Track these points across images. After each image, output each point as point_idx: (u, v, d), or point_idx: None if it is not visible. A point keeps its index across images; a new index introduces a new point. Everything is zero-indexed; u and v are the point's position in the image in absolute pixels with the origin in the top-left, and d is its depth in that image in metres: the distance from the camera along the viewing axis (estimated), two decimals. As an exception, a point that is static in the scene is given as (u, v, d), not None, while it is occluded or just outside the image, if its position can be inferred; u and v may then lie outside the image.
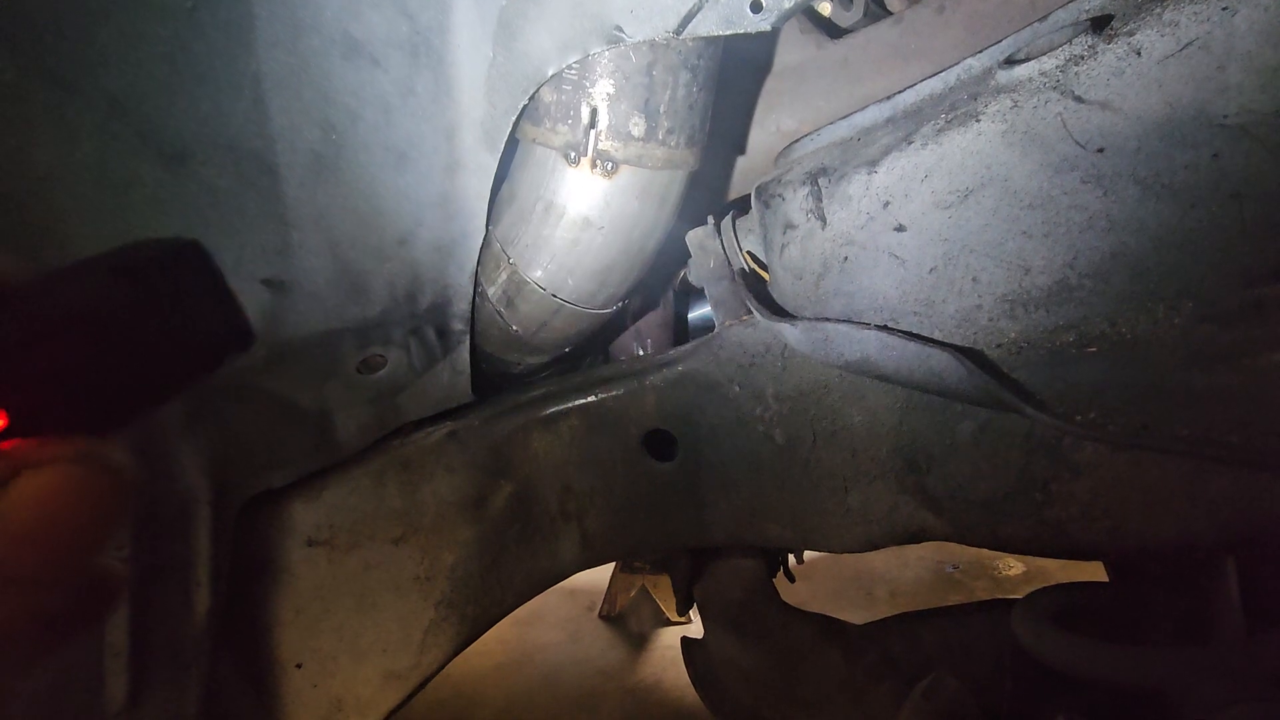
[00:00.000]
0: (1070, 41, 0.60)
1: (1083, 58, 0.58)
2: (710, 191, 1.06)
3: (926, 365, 0.58)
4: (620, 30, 0.67)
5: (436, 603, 0.89)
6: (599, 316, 0.90)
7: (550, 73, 0.71)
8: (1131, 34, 0.57)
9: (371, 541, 0.86)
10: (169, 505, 0.72)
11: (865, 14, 1.01)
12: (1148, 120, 0.54)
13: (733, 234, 0.97)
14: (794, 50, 1.00)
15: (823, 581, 2.95)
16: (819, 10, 1.06)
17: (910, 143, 0.66)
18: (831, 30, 1.02)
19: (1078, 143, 0.56)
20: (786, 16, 0.66)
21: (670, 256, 1.00)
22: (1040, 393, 0.55)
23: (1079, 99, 0.57)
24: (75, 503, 0.24)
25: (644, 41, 0.69)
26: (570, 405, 0.93)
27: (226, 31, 0.61)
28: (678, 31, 0.67)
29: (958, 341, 0.60)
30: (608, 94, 0.71)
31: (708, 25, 0.67)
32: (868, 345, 0.63)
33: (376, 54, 0.69)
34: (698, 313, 1.31)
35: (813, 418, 0.81)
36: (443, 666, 0.92)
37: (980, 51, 0.72)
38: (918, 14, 0.93)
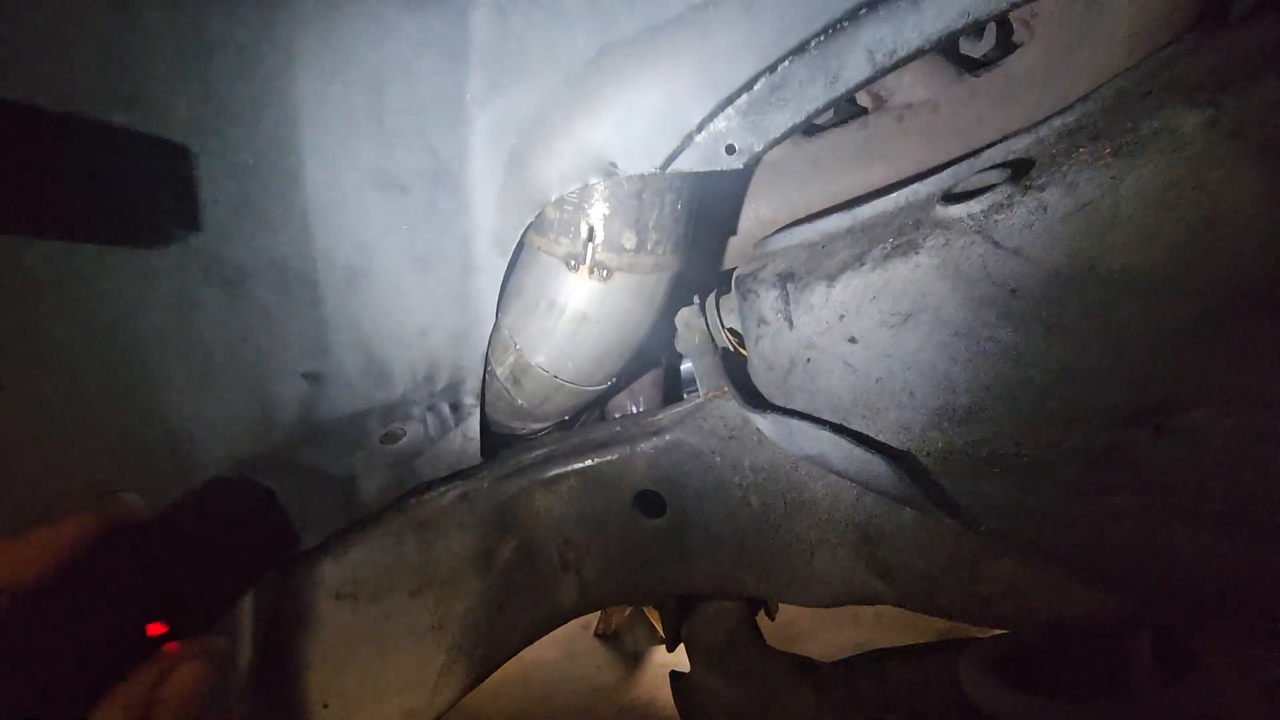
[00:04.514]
0: (994, 188, 0.72)
1: (1002, 206, 0.69)
2: (700, 267, 1.17)
3: (869, 468, 0.69)
4: (614, 166, 0.78)
5: (449, 647, 0.99)
6: (595, 393, 1.01)
7: (553, 197, 0.82)
8: (1041, 189, 0.68)
9: (391, 593, 0.97)
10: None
11: (836, 115, 1.13)
12: (1050, 269, 0.65)
13: (716, 313, 1.08)
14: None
15: (811, 601, 3.04)
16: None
17: (862, 264, 0.77)
18: (807, 129, 1.13)
19: (995, 283, 0.67)
20: (757, 158, 0.77)
21: (663, 330, 1.11)
22: (958, 498, 0.65)
23: (997, 244, 0.68)
24: (205, 689, 0.36)
25: (637, 174, 0.80)
26: (570, 469, 1.04)
27: (281, 179, 0.72)
28: (663, 167, 0.78)
29: (896, 445, 0.70)
30: (603, 214, 0.82)
31: (689, 163, 0.78)
32: (823, 443, 0.74)
33: (405, 182, 0.80)
34: (689, 366, 1.42)
35: (783, 489, 0.92)
36: (455, 703, 1.02)
37: (926, 178, 0.83)
38: (880, 120, 1.04)
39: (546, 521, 1.05)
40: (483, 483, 1.02)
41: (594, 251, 0.84)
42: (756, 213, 1.12)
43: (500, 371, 0.98)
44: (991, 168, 0.77)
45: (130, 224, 0.62)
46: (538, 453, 1.08)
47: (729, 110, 0.74)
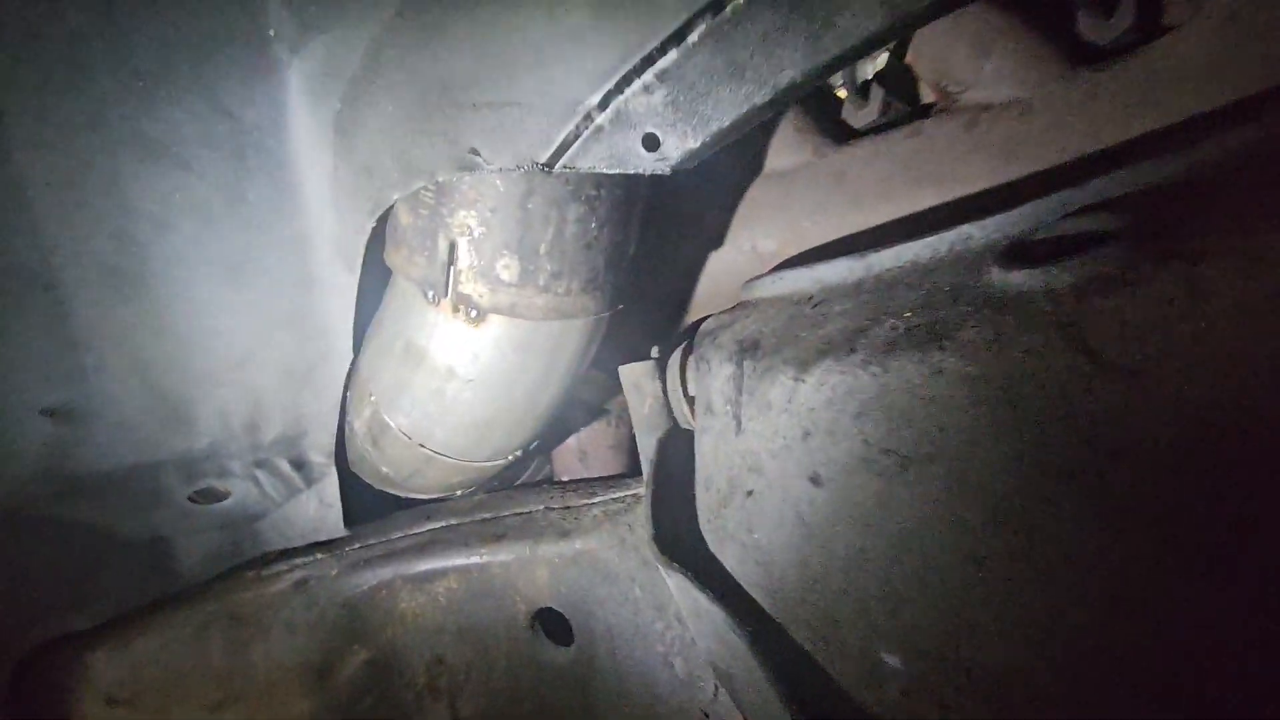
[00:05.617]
0: (1097, 244, 0.39)
1: (1110, 281, 0.37)
2: (667, 310, 0.87)
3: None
4: (476, 154, 0.50)
5: (251, 789, 0.74)
6: (485, 469, 0.73)
7: (394, 196, 0.55)
8: (1195, 259, 0.35)
9: (183, 705, 0.73)
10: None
11: (884, 114, 0.80)
12: (1195, 410, 0.32)
13: (678, 377, 0.77)
14: (785, 153, 0.81)
15: None
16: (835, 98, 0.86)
17: (853, 350, 0.46)
18: (837, 133, 0.81)
19: (1082, 433, 0.34)
20: (691, 160, 0.47)
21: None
22: None
23: (1093, 355, 0.35)
24: None
25: (516, 169, 0.52)
26: (449, 565, 0.77)
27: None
28: (550, 163, 0.49)
29: (849, 685, 0.39)
30: (468, 227, 0.54)
31: (592, 160, 0.49)
32: (734, 656, 0.43)
33: (185, 155, 0.55)
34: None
35: (718, 659, 0.61)
36: None
37: (985, 219, 0.51)
38: (942, 127, 0.71)
39: (414, 630, 0.78)
40: (329, 568, 0.77)
41: (456, 280, 0.56)
42: (753, 243, 0.81)
43: (358, 426, 0.72)
44: (1095, 207, 0.44)
45: None
46: (418, 530, 0.81)
47: (647, 75, 0.44)
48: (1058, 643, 0.33)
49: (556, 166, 0.49)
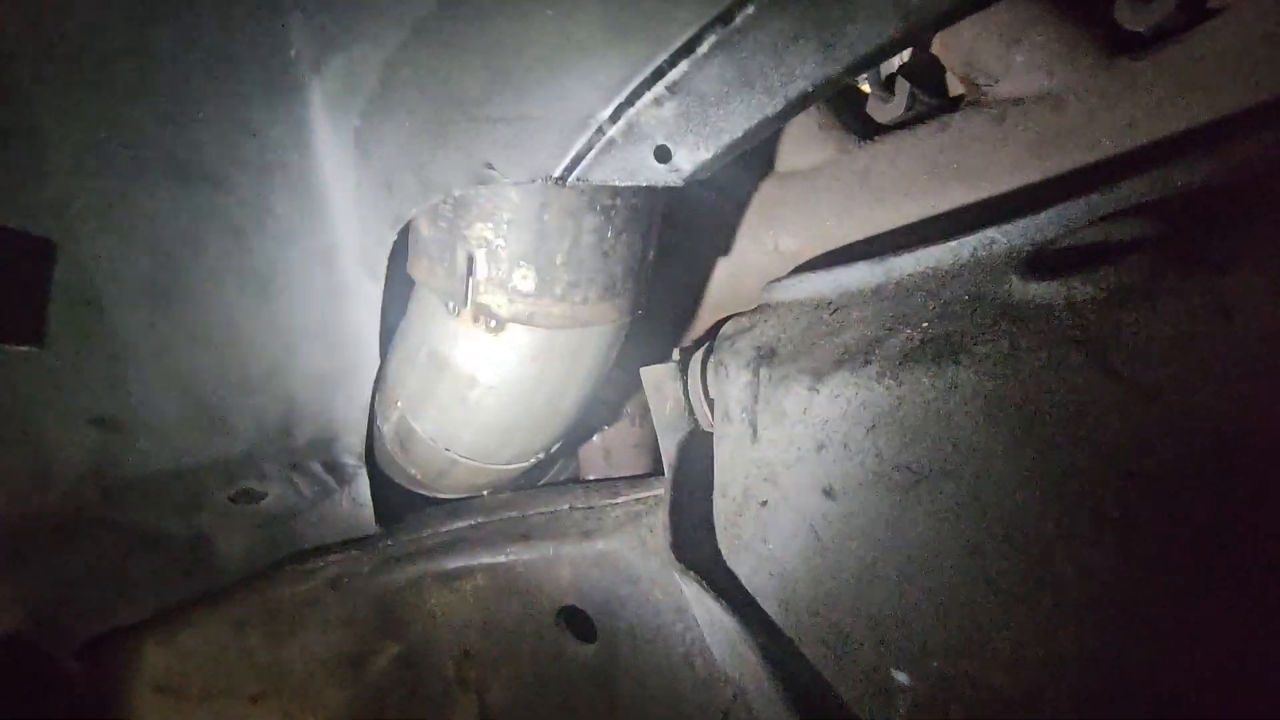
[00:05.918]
0: (1128, 254, 0.38)
1: (1136, 295, 0.36)
2: (687, 311, 0.87)
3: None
4: (491, 168, 0.51)
5: (290, 776, 0.77)
6: (508, 472, 0.75)
7: (413, 209, 0.56)
8: (1224, 269, 0.34)
9: (226, 696, 0.76)
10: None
11: (910, 108, 0.78)
12: (1220, 432, 0.31)
13: (699, 378, 0.77)
14: (808, 150, 0.79)
15: None
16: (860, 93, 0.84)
17: (867, 362, 0.45)
18: (863, 128, 0.80)
19: (1100, 454, 0.34)
20: (704, 171, 0.47)
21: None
22: None
23: (1113, 373, 0.34)
24: None
25: (531, 182, 0.52)
26: (476, 563, 0.79)
27: (16, 159, 0.51)
28: (563, 176, 0.50)
29: (858, 701, 0.39)
30: (485, 239, 0.55)
31: (604, 173, 0.49)
32: (745, 667, 0.44)
33: (215, 174, 0.56)
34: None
35: (730, 668, 0.61)
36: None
37: (1012, 221, 0.49)
38: (970, 121, 0.69)
39: (443, 625, 0.81)
40: (362, 565, 0.79)
41: (475, 291, 0.57)
42: (775, 242, 0.81)
43: (386, 430, 0.74)
44: (1123, 213, 0.42)
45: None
46: (447, 529, 0.83)
47: (658, 88, 0.44)
48: (1069, 668, 0.33)
49: (570, 179, 0.50)
